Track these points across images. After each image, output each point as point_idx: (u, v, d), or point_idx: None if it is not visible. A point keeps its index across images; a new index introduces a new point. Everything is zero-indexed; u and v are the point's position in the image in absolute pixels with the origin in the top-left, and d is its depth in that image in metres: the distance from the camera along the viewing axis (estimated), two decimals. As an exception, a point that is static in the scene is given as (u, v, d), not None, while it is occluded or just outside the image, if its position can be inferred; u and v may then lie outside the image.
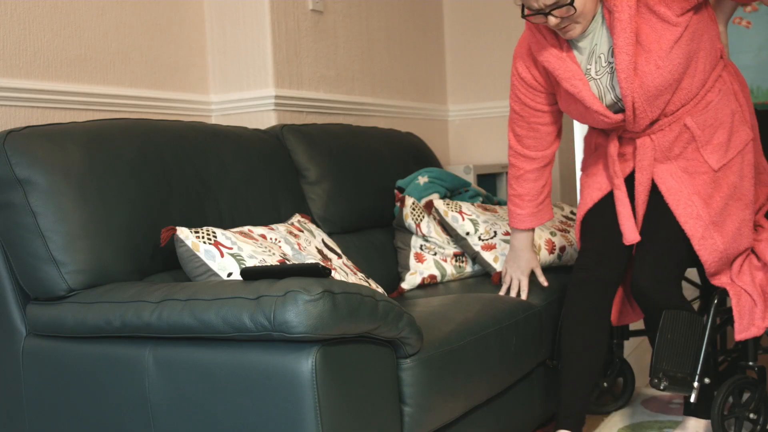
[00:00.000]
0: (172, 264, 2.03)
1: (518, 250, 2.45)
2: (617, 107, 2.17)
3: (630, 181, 2.27)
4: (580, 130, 5.55)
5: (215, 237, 1.93)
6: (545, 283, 2.45)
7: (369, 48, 3.45)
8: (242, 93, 2.90)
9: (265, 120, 2.88)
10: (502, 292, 2.42)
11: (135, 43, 2.63)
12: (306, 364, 1.54)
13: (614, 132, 2.27)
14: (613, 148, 2.26)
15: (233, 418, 1.60)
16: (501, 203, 3.09)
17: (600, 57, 2.14)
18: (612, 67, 2.12)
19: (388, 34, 3.59)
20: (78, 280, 1.84)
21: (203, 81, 2.92)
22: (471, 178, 3.61)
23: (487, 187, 3.84)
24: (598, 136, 2.36)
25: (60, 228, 1.84)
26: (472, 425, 2.04)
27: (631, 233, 2.21)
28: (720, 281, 2.23)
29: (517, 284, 2.43)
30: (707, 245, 2.15)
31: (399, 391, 1.77)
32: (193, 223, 2.11)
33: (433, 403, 1.82)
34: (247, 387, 1.59)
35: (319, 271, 1.62)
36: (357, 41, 3.37)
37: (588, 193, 2.36)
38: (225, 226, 2.19)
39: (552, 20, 2.05)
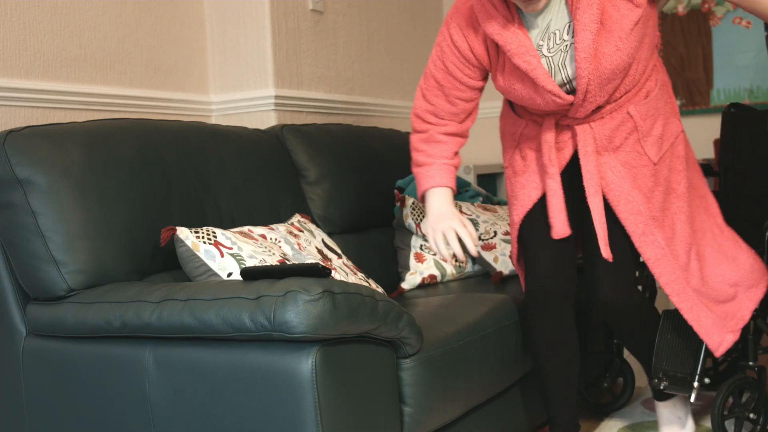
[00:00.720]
0: (172, 264, 2.03)
1: (441, 211, 2.06)
2: (566, 88, 2.03)
3: (565, 174, 2.14)
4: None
5: (215, 237, 1.93)
6: (475, 252, 2.05)
7: (369, 48, 3.45)
8: (242, 93, 2.90)
9: (265, 120, 2.88)
10: (447, 258, 2.04)
11: (135, 43, 2.63)
12: (306, 364, 1.54)
13: (551, 117, 2.10)
14: (550, 135, 2.09)
15: (233, 418, 1.61)
16: (501, 203, 3.09)
17: (554, 33, 1.99)
18: (566, 45, 1.99)
19: (388, 34, 3.59)
20: (78, 280, 1.84)
21: (203, 81, 2.92)
22: (471, 178, 3.61)
23: (487, 187, 3.85)
24: (527, 126, 2.16)
25: (60, 228, 1.84)
26: (472, 425, 2.04)
27: (561, 227, 2.07)
28: (676, 300, 2.12)
29: (453, 235, 2.02)
30: (648, 242, 2.06)
31: (399, 391, 1.77)
32: (193, 223, 2.11)
33: (433, 403, 1.82)
34: (247, 387, 1.59)
35: (319, 271, 1.62)
36: (357, 41, 3.37)
37: (525, 194, 2.15)
38: (225, 226, 2.19)
39: None
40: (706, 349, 2.27)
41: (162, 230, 1.92)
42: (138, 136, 2.08)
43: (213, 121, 2.94)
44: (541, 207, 2.13)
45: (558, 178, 2.09)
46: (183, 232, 1.91)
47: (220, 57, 2.92)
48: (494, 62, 2.08)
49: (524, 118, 2.16)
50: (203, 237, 1.92)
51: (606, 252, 2.04)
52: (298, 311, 1.52)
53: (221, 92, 2.93)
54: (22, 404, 1.89)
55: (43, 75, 2.35)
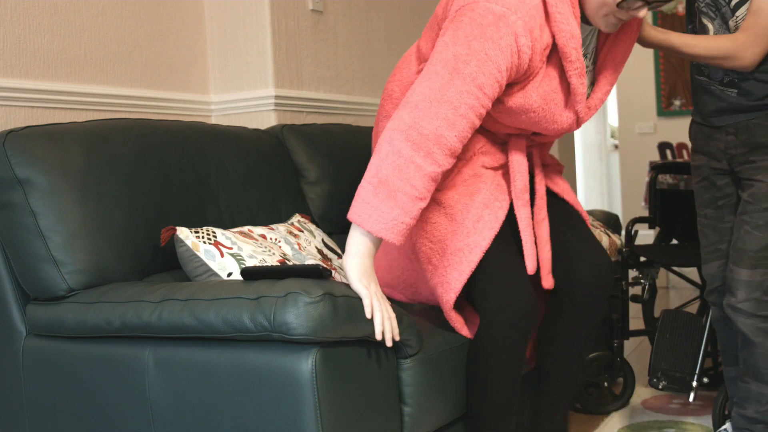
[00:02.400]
0: (172, 264, 2.03)
1: (369, 270, 1.69)
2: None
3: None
4: (585, 125, 5.53)
5: (215, 237, 1.93)
6: (389, 343, 1.67)
7: (369, 48, 3.45)
8: (242, 93, 2.90)
9: (265, 120, 2.88)
10: (379, 336, 1.64)
11: (135, 43, 2.64)
12: (306, 364, 1.54)
13: (521, 139, 1.98)
14: (522, 158, 1.95)
15: (233, 418, 1.61)
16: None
17: (587, 56, 1.97)
18: (588, 70, 1.97)
19: (388, 34, 3.59)
20: (78, 280, 1.84)
21: (203, 81, 2.92)
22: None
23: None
24: (485, 144, 1.96)
25: (60, 228, 1.84)
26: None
27: (533, 262, 1.91)
28: None
29: (388, 324, 1.66)
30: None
31: (399, 391, 1.77)
32: (193, 223, 2.11)
33: (434, 403, 1.82)
34: (247, 387, 1.59)
35: (319, 273, 1.62)
36: (357, 41, 3.37)
37: (491, 214, 1.89)
38: (225, 226, 2.19)
39: (643, 13, 1.79)
40: (705, 348, 2.27)
41: (162, 230, 1.92)
42: (138, 136, 2.08)
43: (213, 121, 2.94)
44: (505, 229, 1.94)
45: (529, 206, 1.97)
46: (183, 232, 1.91)
47: (220, 57, 2.92)
48: (531, 72, 1.83)
49: (483, 137, 1.97)
50: (203, 237, 1.92)
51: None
52: (298, 313, 1.52)
53: (221, 92, 2.93)
54: (22, 404, 1.89)
55: (43, 75, 2.35)
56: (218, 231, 1.96)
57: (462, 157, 1.93)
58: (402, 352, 1.78)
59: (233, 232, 2.00)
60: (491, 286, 1.83)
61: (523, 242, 1.92)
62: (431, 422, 1.83)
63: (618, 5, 1.77)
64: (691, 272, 4.21)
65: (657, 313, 3.50)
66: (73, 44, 2.43)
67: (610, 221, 3.16)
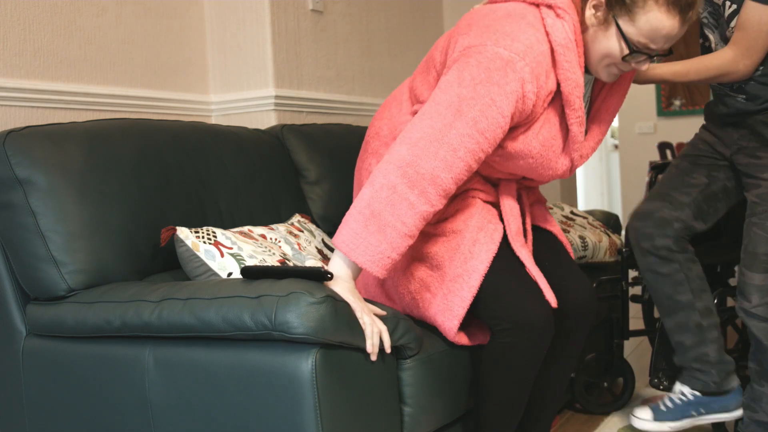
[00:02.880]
0: (172, 264, 2.03)
1: (353, 285, 1.71)
2: None
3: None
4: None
5: (215, 237, 1.93)
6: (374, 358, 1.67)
7: (369, 48, 3.45)
8: (242, 93, 2.90)
9: (265, 120, 2.88)
10: (369, 348, 1.65)
11: (135, 43, 2.63)
12: (306, 364, 1.54)
13: (512, 183, 1.97)
14: (513, 202, 1.93)
15: (233, 418, 1.61)
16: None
17: (584, 102, 1.97)
18: (586, 112, 1.97)
19: (388, 34, 3.59)
20: (78, 280, 1.84)
21: (203, 81, 2.92)
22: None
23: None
24: (477, 182, 1.94)
25: (60, 228, 1.84)
26: (472, 426, 2.04)
27: (553, 294, 1.86)
28: None
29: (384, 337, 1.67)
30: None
31: (399, 391, 1.77)
32: (193, 223, 2.10)
33: (433, 404, 1.82)
34: (247, 387, 1.59)
35: (322, 275, 1.62)
36: (357, 41, 3.37)
37: (486, 236, 1.86)
38: (225, 226, 2.19)
39: (645, 66, 1.83)
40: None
41: (162, 230, 1.92)
42: (138, 136, 2.08)
43: (213, 121, 2.94)
44: (502, 247, 1.90)
45: (528, 246, 1.96)
46: (183, 232, 1.91)
47: (220, 57, 2.92)
48: (533, 117, 1.81)
49: (475, 177, 1.95)
50: (203, 237, 1.92)
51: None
52: (300, 312, 1.52)
53: (221, 92, 2.93)
54: (22, 404, 1.89)
55: (43, 75, 2.35)
56: (218, 231, 1.96)
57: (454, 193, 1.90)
58: (402, 354, 1.78)
59: (233, 232, 2.00)
60: (500, 304, 1.80)
61: (537, 279, 1.87)
62: (431, 422, 1.83)
63: (623, 58, 1.79)
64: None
65: (657, 313, 3.50)
66: (73, 44, 2.43)
67: (610, 221, 3.16)
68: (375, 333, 1.63)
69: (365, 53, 3.43)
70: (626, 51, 1.78)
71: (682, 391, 2.26)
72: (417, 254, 1.89)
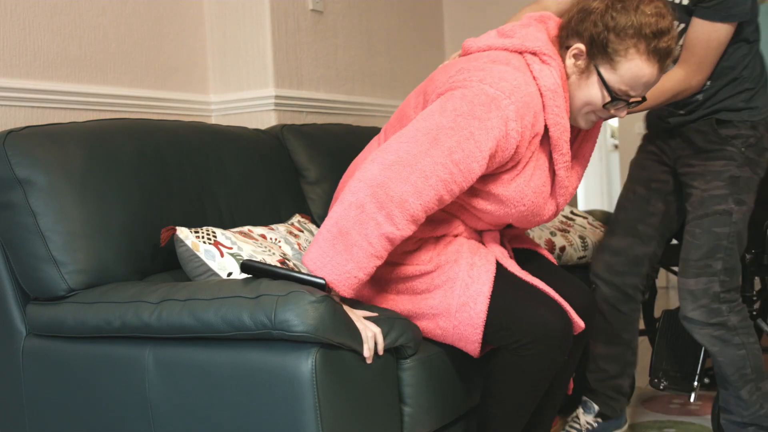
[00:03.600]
0: (172, 264, 2.03)
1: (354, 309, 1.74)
2: None
3: None
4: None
5: (215, 237, 1.93)
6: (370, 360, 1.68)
7: (369, 48, 3.45)
8: (242, 93, 2.90)
9: (265, 120, 2.88)
10: (366, 353, 1.66)
11: (135, 43, 2.63)
12: (306, 364, 1.54)
13: (495, 232, 1.98)
14: (500, 250, 1.94)
15: (233, 418, 1.60)
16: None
17: None
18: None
19: (388, 34, 3.59)
20: (78, 280, 1.84)
21: (203, 81, 2.92)
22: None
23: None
24: (464, 229, 1.93)
25: (60, 228, 1.84)
26: (472, 426, 2.04)
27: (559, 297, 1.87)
28: None
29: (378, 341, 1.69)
30: None
31: (399, 391, 1.77)
32: (193, 223, 2.10)
33: (434, 404, 1.82)
34: (247, 387, 1.59)
35: (322, 287, 1.62)
36: (357, 41, 3.37)
37: (481, 262, 1.85)
38: (225, 226, 2.19)
39: (623, 113, 1.84)
40: (706, 348, 2.27)
41: (162, 230, 1.91)
42: (138, 136, 2.08)
43: (213, 121, 2.94)
44: (498, 268, 1.88)
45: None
46: (183, 232, 1.91)
47: (220, 57, 2.92)
48: (518, 159, 1.79)
49: (462, 224, 1.93)
50: (203, 237, 1.91)
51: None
52: (300, 311, 1.52)
53: (221, 92, 2.93)
54: (22, 404, 1.89)
55: (43, 75, 2.34)
56: (218, 231, 1.96)
57: (438, 235, 1.90)
58: (401, 354, 1.78)
59: (233, 232, 2.00)
60: (516, 321, 1.77)
61: (545, 289, 1.85)
62: (431, 422, 1.83)
63: (604, 105, 1.81)
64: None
65: (657, 313, 3.50)
66: (73, 44, 2.43)
67: (609, 221, 3.16)
68: (369, 337, 1.63)
69: (365, 53, 3.43)
70: (608, 99, 1.80)
71: (587, 420, 2.44)
72: (417, 291, 1.86)
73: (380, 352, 1.67)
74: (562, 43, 1.84)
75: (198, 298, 1.64)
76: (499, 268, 1.87)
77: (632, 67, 1.76)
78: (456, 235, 1.90)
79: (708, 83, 2.15)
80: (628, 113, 1.89)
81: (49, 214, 1.83)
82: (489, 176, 1.81)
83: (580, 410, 2.47)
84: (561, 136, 1.81)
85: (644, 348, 3.57)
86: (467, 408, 1.98)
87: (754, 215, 2.33)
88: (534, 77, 1.78)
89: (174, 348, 1.68)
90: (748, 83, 2.16)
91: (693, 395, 2.44)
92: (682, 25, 2.08)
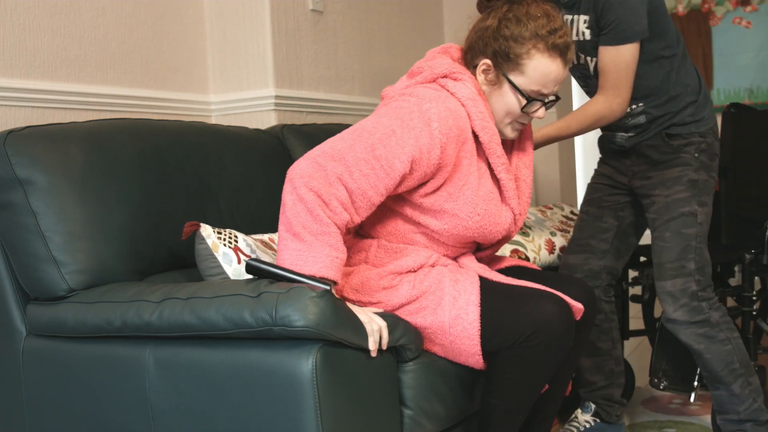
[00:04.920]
0: (173, 264, 2.03)
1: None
2: None
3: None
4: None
5: (236, 241, 1.92)
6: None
7: (369, 48, 3.45)
8: (242, 93, 2.90)
9: (265, 120, 2.88)
10: (371, 345, 1.67)
11: (135, 43, 2.63)
12: (306, 363, 1.54)
13: (469, 254, 2.01)
14: (480, 267, 1.97)
15: (233, 418, 1.61)
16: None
17: None
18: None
19: (388, 34, 3.59)
20: (78, 280, 1.84)
21: (203, 81, 2.92)
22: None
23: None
24: (439, 258, 1.94)
25: (60, 228, 1.84)
26: (473, 429, 2.04)
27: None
28: None
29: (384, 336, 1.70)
30: None
31: (400, 393, 1.77)
32: (193, 223, 2.11)
33: (434, 407, 1.82)
34: (248, 387, 1.59)
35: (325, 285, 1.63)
36: (357, 41, 3.37)
37: (468, 281, 1.87)
38: (225, 226, 2.19)
39: (541, 112, 1.93)
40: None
41: (186, 224, 1.90)
42: (138, 136, 2.08)
43: (213, 121, 2.94)
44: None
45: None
46: (206, 230, 1.90)
47: (220, 57, 2.92)
48: (459, 172, 1.85)
49: (432, 252, 1.94)
50: (225, 239, 1.91)
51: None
52: (300, 306, 1.52)
53: (221, 92, 2.93)
54: (22, 404, 1.89)
55: (43, 75, 2.34)
56: (240, 236, 1.95)
57: (415, 269, 1.90)
58: (401, 356, 1.78)
59: (255, 239, 2.00)
60: (513, 317, 1.78)
61: (531, 285, 1.88)
62: (431, 426, 1.82)
63: (522, 109, 1.90)
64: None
65: (657, 313, 3.50)
66: (73, 44, 2.43)
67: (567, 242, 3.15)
68: (375, 330, 1.65)
69: (365, 53, 3.43)
70: (524, 102, 1.89)
71: (585, 419, 2.46)
72: (408, 314, 1.85)
73: (384, 346, 1.67)
74: (469, 64, 1.95)
75: (200, 297, 1.64)
76: (483, 280, 1.88)
77: (538, 66, 1.87)
78: (433, 265, 1.92)
79: (640, 105, 2.24)
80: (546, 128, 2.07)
81: (49, 214, 1.83)
82: (438, 193, 1.84)
83: (579, 410, 2.48)
84: (491, 139, 1.89)
85: (644, 348, 3.58)
86: (468, 413, 1.97)
87: (754, 215, 2.34)
88: (451, 93, 1.88)
89: (174, 348, 1.68)
90: (689, 97, 2.25)
91: (693, 395, 2.44)
92: (596, 59, 2.20)
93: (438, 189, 1.84)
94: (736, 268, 3.18)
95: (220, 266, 1.87)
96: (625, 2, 2.08)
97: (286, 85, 2.94)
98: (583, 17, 2.17)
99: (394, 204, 1.89)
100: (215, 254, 1.88)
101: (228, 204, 2.23)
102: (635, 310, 3.85)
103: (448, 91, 1.88)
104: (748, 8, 5.32)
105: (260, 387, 1.58)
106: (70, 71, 2.43)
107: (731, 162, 3.10)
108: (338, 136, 1.79)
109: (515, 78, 1.89)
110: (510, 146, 2.04)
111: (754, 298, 2.64)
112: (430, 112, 1.79)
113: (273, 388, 1.56)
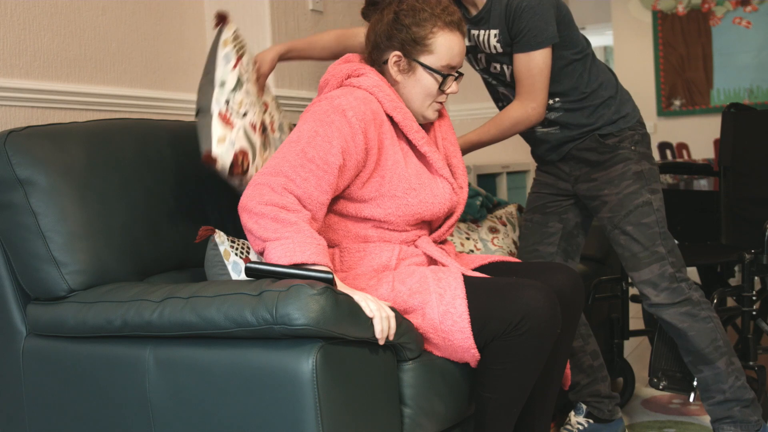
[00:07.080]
0: (173, 265, 2.04)
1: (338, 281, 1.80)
2: None
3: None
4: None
5: (248, 253, 1.92)
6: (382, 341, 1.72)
7: (369, 48, 3.45)
8: (242, 93, 2.90)
9: (265, 120, 2.88)
10: (378, 333, 1.68)
11: (135, 43, 2.64)
12: (307, 363, 1.54)
13: (425, 237, 2.05)
14: (436, 250, 2.02)
15: (233, 418, 1.61)
16: (501, 203, 3.09)
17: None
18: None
19: (388, 34, 3.59)
20: (78, 280, 1.84)
21: (203, 81, 2.91)
22: (471, 179, 3.61)
23: (487, 187, 3.85)
24: (401, 250, 1.99)
25: (60, 228, 1.84)
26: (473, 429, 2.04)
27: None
28: None
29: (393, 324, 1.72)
30: None
31: (400, 392, 1.77)
32: (193, 223, 2.10)
33: (434, 406, 1.82)
34: (248, 387, 1.59)
35: (328, 281, 1.63)
36: (357, 41, 3.37)
37: (450, 276, 1.90)
38: (226, 227, 2.19)
39: (454, 87, 2.03)
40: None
41: (201, 228, 1.90)
42: (138, 136, 2.08)
43: (213, 121, 2.93)
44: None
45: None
46: (220, 237, 1.90)
47: (220, 57, 2.92)
48: (386, 153, 1.95)
49: (387, 243, 1.99)
50: (237, 248, 1.91)
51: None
52: (301, 304, 1.52)
53: (221, 92, 2.93)
54: (22, 404, 1.89)
55: (43, 75, 2.35)
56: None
57: (384, 264, 1.96)
58: (402, 355, 1.78)
59: None
60: (499, 306, 1.80)
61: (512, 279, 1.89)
62: (431, 425, 1.82)
63: (439, 88, 2.00)
64: (691, 272, 4.21)
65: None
66: (73, 44, 2.43)
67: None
68: (383, 318, 1.66)
69: (365, 53, 3.43)
70: (440, 78, 1.99)
71: (578, 422, 2.47)
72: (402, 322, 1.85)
73: (391, 336, 1.68)
74: (375, 63, 2.04)
75: (201, 296, 1.64)
76: (466, 277, 1.91)
77: (444, 42, 1.99)
78: (403, 258, 1.97)
79: (557, 101, 2.28)
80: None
81: (49, 214, 1.83)
82: (372, 180, 1.94)
83: (572, 413, 2.48)
84: (405, 117, 2.00)
85: (644, 348, 3.58)
86: (468, 413, 1.97)
87: (754, 215, 2.34)
88: (357, 87, 1.98)
89: (174, 347, 1.68)
90: (605, 91, 2.30)
91: (692, 395, 2.44)
92: (512, 67, 2.25)
93: (371, 176, 1.94)
94: (736, 268, 3.19)
95: (228, 274, 1.87)
96: (535, 9, 2.15)
97: (286, 85, 2.94)
98: (493, 32, 2.23)
99: (337, 207, 1.96)
100: (225, 261, 1.87)
101: (228, 204, 2.23)
102: (635, 310, 3.85)
103: (353, 86, 1.99)
104: (748, 8, 5.32)
105: (260, 387, 1.58)
106: (70, 71, 2.43)
107: (731, 162, 3.10)
108: (270, 158, 1.92)
109: (426, 59, 1.99)
110: (432, 129, 2.13)
111: (754, 298, 2.65)
112: (342, 105, 1.90)
113: (273, 388, 1.57)
